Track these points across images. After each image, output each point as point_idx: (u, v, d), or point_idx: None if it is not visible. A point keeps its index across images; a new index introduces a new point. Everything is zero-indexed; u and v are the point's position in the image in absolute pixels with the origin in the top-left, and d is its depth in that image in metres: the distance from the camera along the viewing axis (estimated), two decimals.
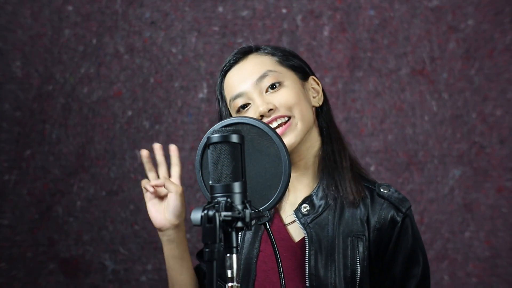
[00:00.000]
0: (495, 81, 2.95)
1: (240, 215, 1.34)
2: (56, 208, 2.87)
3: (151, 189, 1.80)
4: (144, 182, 1.85)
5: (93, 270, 2.88)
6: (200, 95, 2.93)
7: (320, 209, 1.74)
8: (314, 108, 1.82)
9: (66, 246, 2.88)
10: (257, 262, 1.75)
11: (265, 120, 1.73)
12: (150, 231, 2.89)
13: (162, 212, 1.79)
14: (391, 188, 1.77)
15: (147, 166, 1.89)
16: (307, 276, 1.70)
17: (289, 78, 1.78)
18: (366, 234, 1.72)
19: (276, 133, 1.52)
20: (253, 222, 1.39)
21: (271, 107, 1.72)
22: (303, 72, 1.82)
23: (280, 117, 1.73)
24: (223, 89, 1.82)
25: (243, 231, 1.74)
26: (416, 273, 1.73)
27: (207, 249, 1.30)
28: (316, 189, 1.77)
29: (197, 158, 1.54)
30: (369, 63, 2.94)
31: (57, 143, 2.89)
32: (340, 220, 1.73)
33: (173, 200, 1.77)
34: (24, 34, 2.89)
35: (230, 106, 1.80)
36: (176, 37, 2.94)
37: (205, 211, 1.32)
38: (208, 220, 1.31)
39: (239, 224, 1.35)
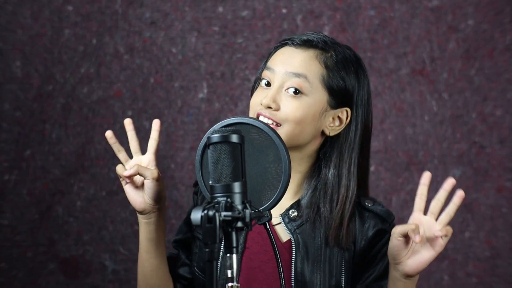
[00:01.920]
0: (495, 81, 2.95)
1: (240, 215, 1.34)
2: (56, 208, 2.87)
3: (127, 180, 1.75)
4: (118, 170, 1.77)
5: (93, 270, 2.88)
6: (200, 95, 2.93)
7: (307, 217, 1.72)
8: (322, 136, 1.74)
9: (66, 246, 2.88)
10: (242, 258, 1.73)
11: (263, 111, 1.69)
12: None
13: (141, 196, 1.73)
14: (375, 201, 1.77)
15: (115, 147, 1.82)
16: (293, 279, 1.69)
17: (316, 97, 1.70)
18: (353, 245, 1.72)
19: (276, 133, 1.51)
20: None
21: (274, 106, 1.68)
22: (340, 100, 1.73)
23: (272, 119, 1.69)
24: (273, 56, 1.75)
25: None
26: (384, 284, 1.73)
27: (207, 249, 1.30)
28: (304, 194, 1.74)
29: (197, 158, 1.54)
30: (369, 63, 2.94)
31: (57, 143, 2.89)
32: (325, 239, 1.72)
33: (150, 186, 1.72)
34: (24, 34, 2.89)
35: (264, 69, 1.75)
36: (176, 37, 2.94)
37: (205, 211, 1.32)
38: (208, 220, 1.31)
39: (239, 224, 1.35)
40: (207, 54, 2.94)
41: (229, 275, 1.34)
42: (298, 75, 1.69)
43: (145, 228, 1.77)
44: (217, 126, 1.52)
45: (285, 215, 1.73)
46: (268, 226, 1.49)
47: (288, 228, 1.72)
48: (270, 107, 1.69)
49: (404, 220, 2.95)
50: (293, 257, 1.70)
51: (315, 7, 2.96)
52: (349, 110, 1.75)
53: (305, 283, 1.69)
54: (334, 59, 1.73)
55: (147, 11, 2.93)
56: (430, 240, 1.62)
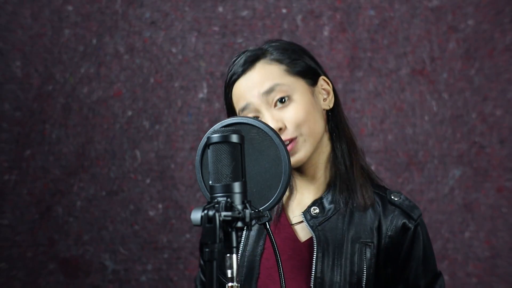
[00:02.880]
0: (495, 81, 2.95)
1: (240, 215, 1.34)
2: (56, 208, 2.87)
3: None
4: None
5: (93, 270, 2.88)
6: (200, 95, 2.93)
7: (330, 213, 1.73)
8: (325, 112, 1.79)
9: (66, 246, 2.88)
10: (261, 260, 1.74)
11: None
12: (150, 231, 2.89)
13: None
14: (401, 195, 1.77)
15: None
16: (312, 278, 1.69)
17: (298, 90, 1.74)
18: (375, 241, 1.72)
19: (276, 133, 1.51)
20: (253, 222, 1.39)
21: (280, 125, 1.70)
22: (312, 75, 1.78)
23: (288, 139, 1.70)
24: (232, 99, 1.78)
25: (248, 230, 1.74)
26: (428, 280, 1.73)
27: (207, 249, 1.30)
28: (327, 192, 1.76)
29: (197, 158, 1.54)
30: (369, 63, 2.94)
31: (57, 143, 2.89)
32: (349, 225, 1.72)
33: None
34: (24, 34, 2.89)
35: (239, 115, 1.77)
36: (176, 37, 2.94)
37: (205, 211, 1.32)
38: (208, 220, 1.31)
39: (239, 224, 1.35)
40: (207, 54, 2.94)
41: (229, 275, 1.34)
42: (270, 89, 1.72)
43: None
44: (217, 126, 1.52)
45: (306, 212, 1.74)
46: (268, 226, 1.49)
47: (310, 225, 1.72)
48: (280, 129, 1.70)
49: None
50: (314, 255, 1.70)
51: (315, 7, 2.96)
52: (324, 77, 1.81)
53: (324, 280, 1.69)
54: (278, 52, 1.77)
55: (147, 11, 2.93)
56: None
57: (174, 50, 2.94)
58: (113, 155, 2.89)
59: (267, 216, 1.45)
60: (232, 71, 1.77)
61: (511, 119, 2.94)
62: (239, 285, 1.34)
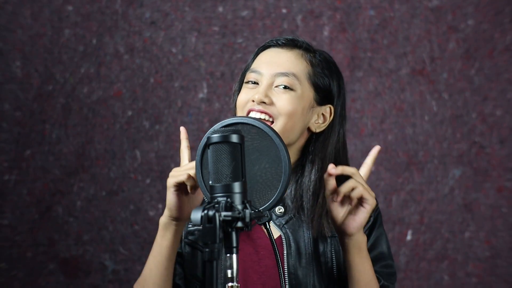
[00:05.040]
0: (495, 81, 2.95)
1: (240, 215, 1.34)
2: (56, 208, 2.87)
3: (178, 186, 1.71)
4: (185, 171, 1.73)
5: (93, 270, 2.88)
6: (200, 95, 2.93)
7: (293, 212, 1.75)
8: (309, 132, 1.79)
9: (66, 246, 2.88)
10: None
11: (254, 107, 1.72)
12: (150, 231, 2.89)
13: (188, 203, 1.70)
14: None
15: (185, 143, 1.85)
16: (287, 275, 1.71)
17: (303, 93, 1.75)
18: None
19: (276, 133, 1.51)
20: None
21: (265, 100, 1.71)
22: (324, 97, 1.79)
23: (265, 113, 1.71)
24: (255, 59, 1.80)
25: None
26: (383, 249, 1.77)
27: (207, 249, 1.30)
28: (289, 190, 1.76)
29: (197, 158, 1.54)
30: (369, 63, 2.94)
31: (57, 143, 2.89)
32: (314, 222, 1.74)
33: (198, 194, 1.71)
34: (24, 34, 2.89)
35: (247, 73, 1.79)
36: (176, 37, 2.94)
37: (205, 211, 1.31)
38: (208, 220, 1.31)
39: (239, 224, 1.35)
40: (207, 54, 2.94)
41: (229, 275, 1.34)
42: (286, 74, 1.74)
43: (174, 235, 1.70)
44: (217, 126, 1.52)
45: (272, 212, 1.75)
46: (268, 226, 1.49)
47: (276, 224, 1.74)
48: (263, 102, 1.72)
49: (404, 220, 2.95)
50: (285, 253, 1.71)
51: (315, 7, 2.96)
52: (332, 107, 1.80)
53: (297, 276, 1.71)
54: (318, 58, 1.79)
55: (147, 11, 2.93)
56: (360, 199, 1.63)
57: (174, 50, 2.94)
58: (113, 155, 2.89)
59: (267, 216, 1.45)
60: (272, 40, 1.81)
61: (511, 119, 2.94)
62: (239, 285, 1.34)
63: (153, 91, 2.93)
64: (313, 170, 1.76)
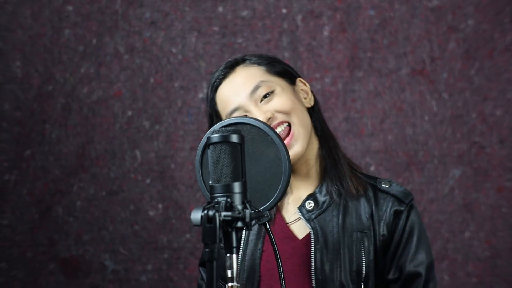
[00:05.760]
0: (495, 81, 2.95)
1: (240, 215, 1.34)
2: (56, 208, 2.87)
3: None
4: None
5: (93, 270, 2.88)
6: (200, 95, 2.93)
7: (325, 205, 1.76)
8: (306, 110, 1.84)
9: (66, 246, 2.88)
10: (260, 262, 1.75)
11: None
12: (150, 231, 2.89)
13: None
14: (392, 182, 1.80)
15: None
16: (313, 271, 1.71)
17: (280, 85, 1.79)
18: (371, 229, 1.74)
19: (276, 133, 1.52)
20: (253, 222, 1.39)
21: (269, 115, 1.74)
22: (290, 76, 1.84)
23: (280, 123, 1.75)
24: (217, 105, 1.82)
25: (246, 232, 1.76)
26: (419, 268, 1.74)
27: (207, 249, 1.30)
28: (319, 186, 1.79)
29: (197, 158, 1.54)
30: (369, 63, 2.94)
31: (57, 143, 2.89)
32: (344, 215, 1.75)
33: None
34: (24, 34, 2.89)
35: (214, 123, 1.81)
36: (176, 37, 2.94)
37: (205, 211, 1.31)
38: (208, 220, 1.31)
39: (239, 224, 1.35)
40: (207, 54, 2.94)
41: (229, 275, 1.34)
42: (256, 86, 1.77)
43: None
44: (217, 126, 1.52)
45: (302, 207, 1.77)
46: (268, 226, 1.49)
47: (305, 218, 1.75)
48: (269, 118, 1.74)
49: None
50: (313, 248, 1.72)
51: (315, 7, 2.96)
52: (300, 79, 1.86)
53: (324, 272, 1.71)
54: (254, 58, 1.84)
55: (147, 11, 2.93)
56: None
57: (174, 50, 2.94)
58: (113, 155, 2.89)
59: (267, 216, 1.45)
60: (214, 78, 1.83)
61: (511, 119, 2.94)
62: (239, 285, 1.34)
63: (153, 91, 2.93)
64: (329, 141, 1.82)
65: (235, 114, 1.77)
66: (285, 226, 1.78)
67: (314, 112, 1.84)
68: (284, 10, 2.95)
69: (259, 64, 1.82)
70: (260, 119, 1.71)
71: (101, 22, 2.91)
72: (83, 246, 2.88)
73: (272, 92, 1.77)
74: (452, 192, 2.94)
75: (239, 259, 1.77)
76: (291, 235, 1.76)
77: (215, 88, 1.82)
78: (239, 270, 1.75)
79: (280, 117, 1.75)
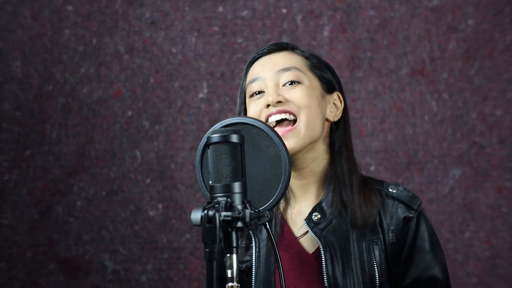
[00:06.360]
0: (495, 81, 2.95)
1: (240, 215, 1.34)
2: (56, 208, 2.87)
3: None
4: None
5: (93, 270, 2.88)
6: (200, 95, 2.93)
7: (332, 216, 1.72)
8: (328, 123, 1.78)
9: (66, 246, 2.88)
10: (275, 277, 1.72)
11: (271, 111, 1.71)
12: (150, 231, 2.89)
13: None
14: (399, 187, 1.76)
15: None
16: (327, 285, 1.67)
17: (311, 83, 1.74)
18: (381, 237, 1.71)
19: (276, 133, 1.51)
20: (253, 222, 1.38)
21: (281, 99, 1.70)
22: (329, 85, 1.78)
23: (286, 111, 1.71)
24: (247, 77, 1.78)
25: (256, 249, 1.73)
26: (436, 273, 1.71)
27: (207, 249, 1.30)
28: (324, 196, 1.74)
29: (197, 158, 1.54)
30: (369, 63, 2.94)
31: (57, 143, 2.89)
32: (352, 225, 1.71)
33: None
34: (24, 34, 2.89)
35: (246, 90, 1.77)
36: (176, 37, 2.94)
37: (205, 211, 1.31)
38: (208, 220, 1.31)
39: (239, 224, 1.34)
40: (207, 54, 2.94)
41: (229, 275, 1.34)
42: (288, 68, 1.73)
43: None
44: (217, 126, 1.52)
45: (309, 220, 1.72)
46: (268, 226, 1.49)
47: (314, 232, 1.70)
48: (279, 102, 1.70)
49: None
50: (323, 263, 1.68)
51: (315, 7, 2.96)
52: (339, 94, 1.80)
53: (338, 285, 1.67)
54: (307, 53, 1.79)
55: (147, 11, 2.93)
56: None
57: (174, 50, 2.94)
58: (113, 155, 2.89)
59: (267, 216, 1.45)
60: (257, 52, 1.78)
61: (511, 119, 2.94)
62: (239, 285, 1.34)
63: (153, 91, 2.93)
64: (343, 161, 1.75)
65: (254, 85, 1.74)
66: (294, 240, 1.74)
67: (337, 129, 1.78)
68: (284, 10, 2.95)
69: (305, 57, 1.77)
70: (271, 98, 1.70)
71: (101, 22, 2.91)
72: (83, 246, 2.88)
73: (298, 82, 1.72)
74: (452, 192, 2.94)
75: (253, 276, 1.73)
76: (301, 250, 1.73)
77: (254, 59, 1.79)
78: (254, 284, 1.73)
79: (288, 107, 1.70)
